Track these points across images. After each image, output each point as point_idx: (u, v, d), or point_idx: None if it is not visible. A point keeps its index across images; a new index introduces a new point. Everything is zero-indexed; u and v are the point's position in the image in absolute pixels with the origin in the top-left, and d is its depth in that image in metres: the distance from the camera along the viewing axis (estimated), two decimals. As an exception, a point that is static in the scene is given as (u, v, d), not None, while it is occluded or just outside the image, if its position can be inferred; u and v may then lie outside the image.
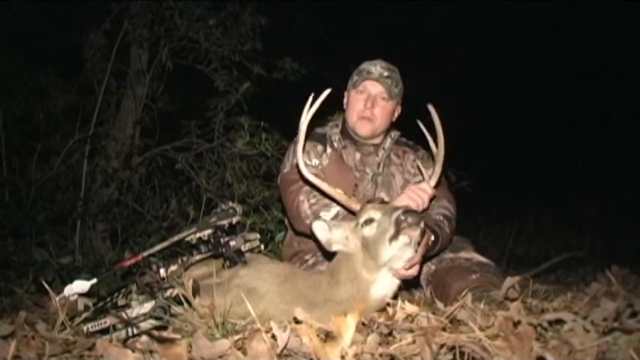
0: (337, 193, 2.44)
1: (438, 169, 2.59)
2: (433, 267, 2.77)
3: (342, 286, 2.16)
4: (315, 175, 2.55)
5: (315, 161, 3.05)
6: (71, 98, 5.46)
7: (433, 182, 2.58)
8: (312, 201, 2.81)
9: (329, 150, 3.10)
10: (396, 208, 2.16)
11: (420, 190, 2.54)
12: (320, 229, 2.25)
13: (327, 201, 2.76)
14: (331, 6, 8.07)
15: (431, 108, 2.51)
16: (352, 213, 2.46)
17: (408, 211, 2.11)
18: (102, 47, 5.35)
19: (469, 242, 2.93)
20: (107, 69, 5.39)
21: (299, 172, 2.61)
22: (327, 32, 7.42)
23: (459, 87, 9.79)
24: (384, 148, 3.14)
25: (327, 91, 2.47)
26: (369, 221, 2.20)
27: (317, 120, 3.27)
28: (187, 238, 2.31)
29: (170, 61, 5.55)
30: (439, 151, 2.56)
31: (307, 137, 3.17)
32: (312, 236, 2.37)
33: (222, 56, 5.41)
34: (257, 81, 5.39)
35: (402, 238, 2.09)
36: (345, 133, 3.18)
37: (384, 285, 2.19)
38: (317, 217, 2.74)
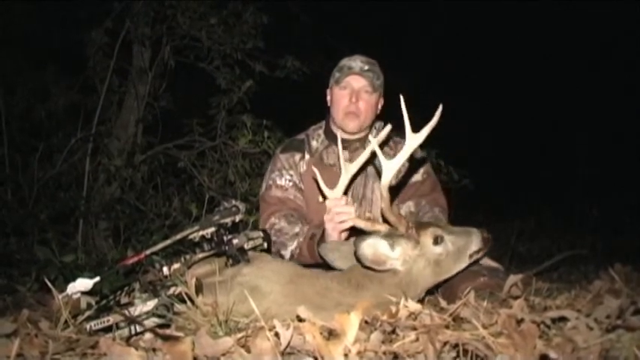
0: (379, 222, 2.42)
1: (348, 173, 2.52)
2: None
3: (365, 297, 2.10)
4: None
5: (286, 177, 3.11)
6: (73, 96, 5.48)
7: (339, 192, 2.52)
8: (274, 239, 2.86)
9: (307, 156, 3.15)
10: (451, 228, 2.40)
11: (341, 213, 2.48)
12: (376, 246, 2.16)
13: (283, 239, 2.87)
14: (333, 5, 8.07)
15: (440, 109, 2.30)
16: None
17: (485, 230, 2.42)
18: (104, 45, 5.36)
19: None
20: (109, 67, 5.41)
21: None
22: (329, 31, 7.42)
23: (459, 87, 9.80)
24: (370, 141, 3.15)
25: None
26: (440, 239, 2.26)
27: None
28: (190, 237, 2.30)
29: (172, 60, 5.56)
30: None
31: (286, 147, 3.23)
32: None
33: (224, 54, 5.41)
34: (259, 79, 5.40)
35: (481, 253, 2.39)
36: (329, 132, 3.19)
37: None
38: (279, 254, 2.86)
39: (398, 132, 3.24)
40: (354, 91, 3.03)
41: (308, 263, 2.78)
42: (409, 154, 2.36)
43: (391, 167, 2.30)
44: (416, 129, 2.32)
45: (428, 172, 3.22)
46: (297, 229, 2.89)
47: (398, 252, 2.19)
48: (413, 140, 2.33)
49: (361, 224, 2.41)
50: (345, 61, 3.09)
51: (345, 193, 2.92)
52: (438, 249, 2.26)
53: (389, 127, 2.55)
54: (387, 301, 1.93)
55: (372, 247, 2.14)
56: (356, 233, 2.48)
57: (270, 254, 2.84)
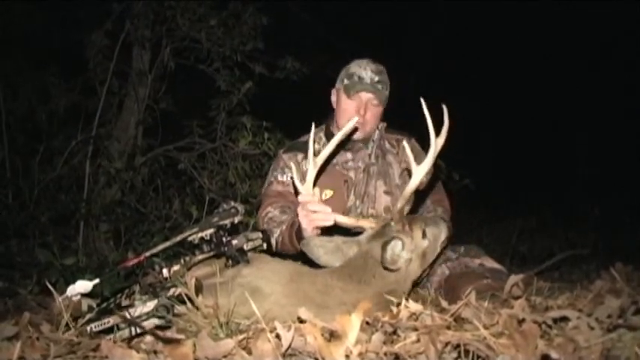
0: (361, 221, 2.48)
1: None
2: (447, 272, 2.78)
3: (368, 293, 2.12)
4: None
5: (288, 175, 3.13)
6: (73, 98, 5.47)
7: (309, 187, 2.49)
8: (265, 227, 2.92)
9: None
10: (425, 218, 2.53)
11: (318, 212, 2.47)
12: (394, 248, 2.15)
13: (271, 227, 2.91)
14: (333, 5, 8.07)
15: (445, 110, 2.35)
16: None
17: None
18: (104, 47, 5.35)
19: (484, 252, 2.94)
20: (109, 69, 5.40)
21: None
22: (329, 31, 7.42)
23: (459, 87, 9.80)
24: (373, 140, 3.19)
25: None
26: (425, 234, 2.32)
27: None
28: (190, 238, 2.30)
29: (172, 62, 5.56)
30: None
31: (289, 148, 3.25)
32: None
33: (224, 56, 5.42)
34: (259, 80, 5.40)
35: (446, 243, 2.49)
36: (329, 133, 3.19)
37: None
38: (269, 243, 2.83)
39: (401, 131, 3.28)
40: (362, 103, 3.03)
41: (291, 253, 2.78)
42: (435, 157, 2.38)
43: (421, 171, 2.34)
44: (417, 129, 2.33)
45: (432, 173, 3.22)
46: (284, 218, 2.92)
47: (405, 251, 2.21)
48: (437, 143, 2.36)
49: (344, 221, 2.45)
50: (356, 68, 3.06)
51: (350, 193, 2.90)
52: (425, 242, 2.32)
53: (355, 119, 2.52)
54: (388, 301, 1.93)
55: (392, 249, 2.15)
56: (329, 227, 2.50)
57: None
